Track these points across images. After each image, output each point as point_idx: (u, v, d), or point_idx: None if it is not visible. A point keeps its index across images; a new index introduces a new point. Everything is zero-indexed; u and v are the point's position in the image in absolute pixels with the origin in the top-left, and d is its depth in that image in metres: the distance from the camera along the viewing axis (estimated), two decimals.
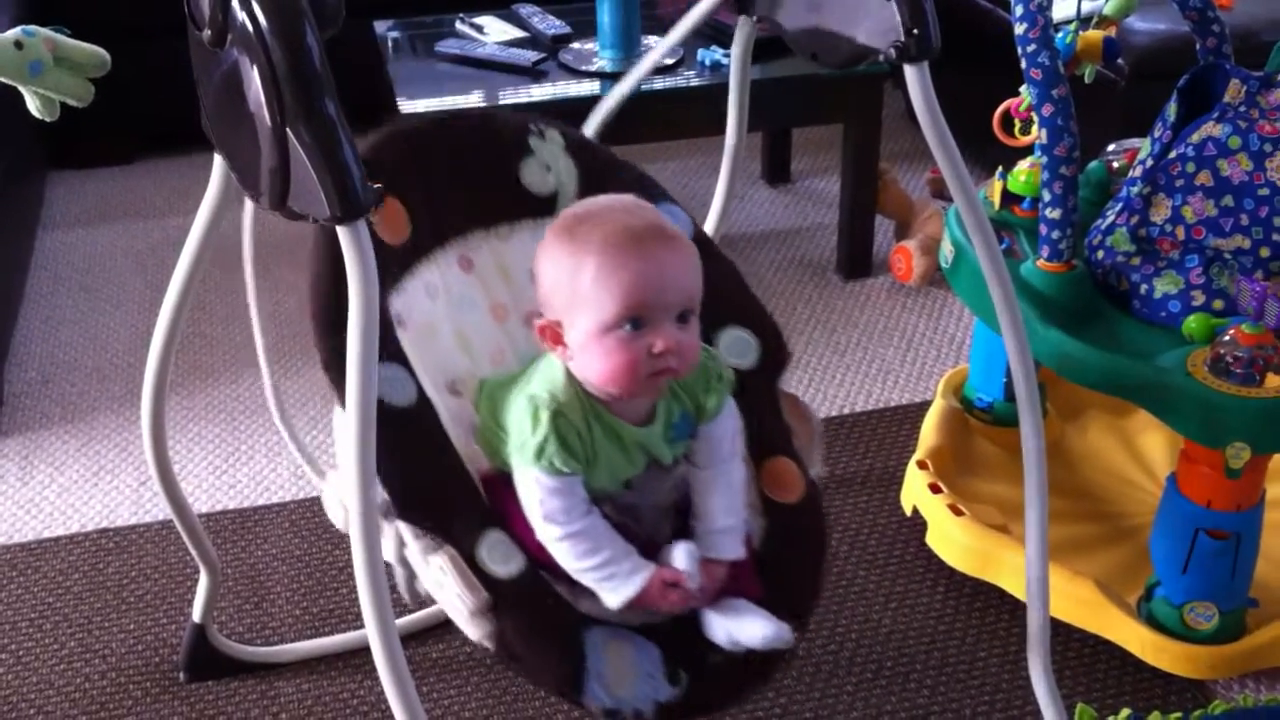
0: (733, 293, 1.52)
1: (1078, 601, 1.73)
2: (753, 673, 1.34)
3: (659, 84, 2.49)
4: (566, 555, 1.27)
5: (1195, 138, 1.67)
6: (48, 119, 1.45)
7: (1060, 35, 1.83)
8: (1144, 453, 2.09)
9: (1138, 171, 1.74)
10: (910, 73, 1.24)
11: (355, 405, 1.06)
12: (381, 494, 1.25)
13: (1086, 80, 1.91)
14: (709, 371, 1.35)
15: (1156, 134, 1.73)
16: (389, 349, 1.29)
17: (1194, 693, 1.72)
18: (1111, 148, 1.99)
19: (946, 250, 1.87)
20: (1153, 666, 1.71)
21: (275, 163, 1.03)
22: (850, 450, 2.21)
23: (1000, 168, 1.91)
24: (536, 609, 1.26)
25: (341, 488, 1.29)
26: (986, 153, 2.22)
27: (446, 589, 1.24)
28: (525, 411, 1.27)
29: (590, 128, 1.60)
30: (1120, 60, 1.90)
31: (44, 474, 2.20)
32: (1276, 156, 1.65)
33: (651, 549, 1.31)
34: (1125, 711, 1.63)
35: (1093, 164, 1.94)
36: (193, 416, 2.34)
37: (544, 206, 1.46)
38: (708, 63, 2.54)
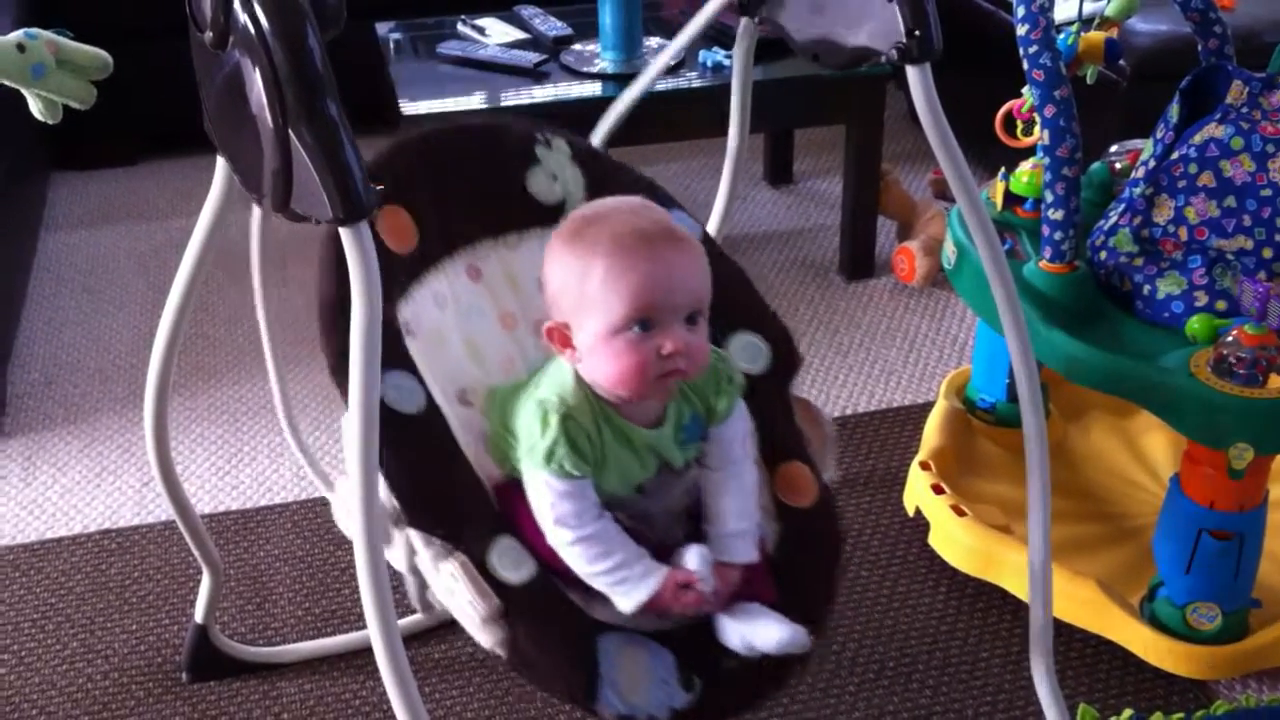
0: (742, 298, 1.52)
1: (1080, 602, 1.73)
2: (768, 678, 1.32)
3: (661, 85, 2.49)
4: (578, 559, 1.26)
5: (1198, 139, 1.67)
6: (50, 121, 1.45)
7: (1062, 36, 1.83)
8: (1147, 453, 2.09)
9: (1140, 172, 1.74)
10: (912, 74, 1.24)
11: (358, 404, 1.06)
12: (392, 501, 1.26)
13: (1088, 81, 1.91)
14: (719, 373, 1.34)
15: (1159, 135, 1.73)
16: (398, 357, 1.29)
17: (1196, 693, 1.72)
18: (1114, 149, 1.99)
19: (949, 251, 1.87)
20: (1155, 667, 1.71)
21: (277, 164, 1.03)
22: (853, 451, 2.21)
23: (1003, 169, 1.91)
24: (549, 615, 1.25)
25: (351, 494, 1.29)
26: (989, 154, 2.22)
27: (458, 596, 1.23)
28: (534, 415, 1.27)
29: (598, 136, 1.60)
30: (1122, 61, 1.90)
31: (47, 475, 2.21)
32: (1278, 157, 1.65)
33: (664, 554, 1.30)
34: (1128, 712, 1.63)
35: (1095, 165, 1.94)
36: (195, 417, 2.34)
37: (551, 215, 1.46)
38: (710, 64, 2.55)
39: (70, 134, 2.69)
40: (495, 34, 2.71)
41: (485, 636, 1.23)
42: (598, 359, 1.26)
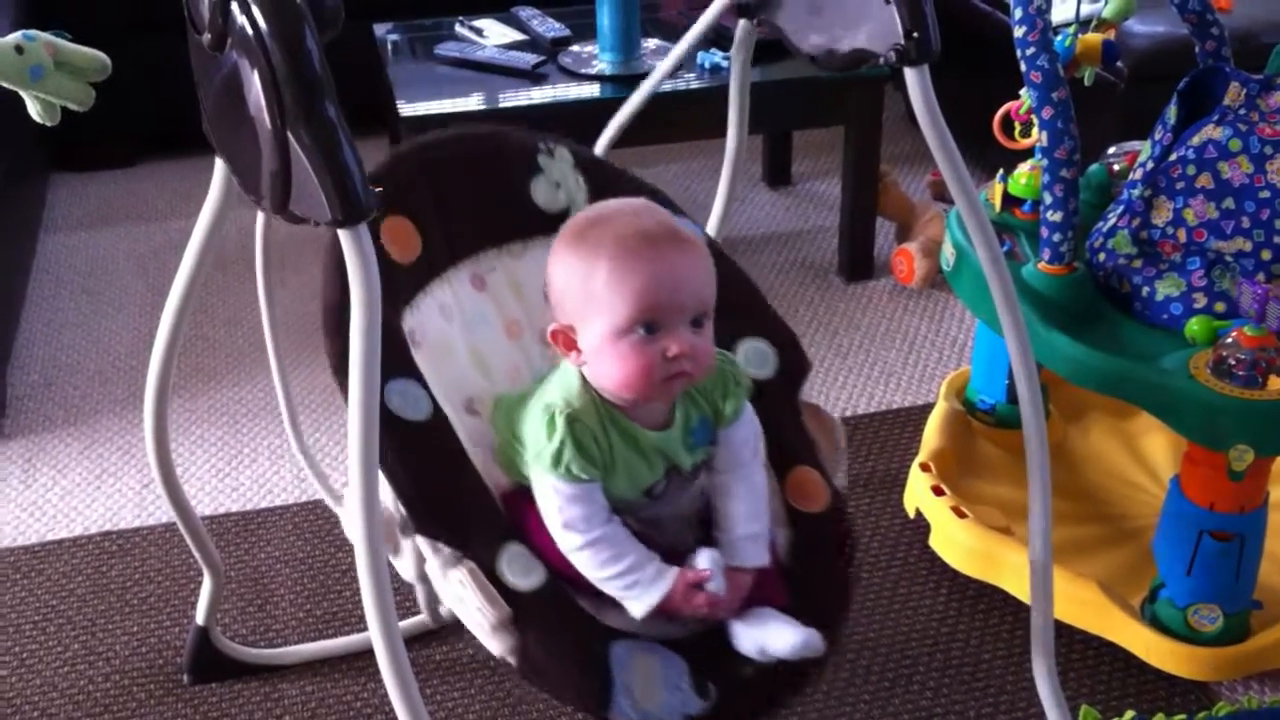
0: (749, 303, 1.52)
1: (1081, 603, 1.73)
2: (783, 683, 1.31)
3: (660, 87, 2.48)
4: (588, 564, 1.26)
5: (1195, 140, 1.67)
6: (49, 123, 1.45)
7: (1059, 38, 1.83)
8: (1147, 455, 2.09)
9: (1138, 174, 1.74)
10: (911, 75, 1.24)
11: (358, 404, 1.06)
12: (400, 510, 1.25)
13: (1086, 83, 1.91)
14: (726, 376, 1.34)
15: (1157, 136, 1.73)
16: (404, 365, 1.28)
17: (1198, 695, 1.72)
18: (1112, 150, 1.99)
19: (948, 253, 1.87)
20: (1156, 668, 1.71)
21: (276, 166, 1.03)
22: (853, 453, 2.20)
23: (1001, 170, 1.91)
24: (559, 622, 1.24)
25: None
26: (987, 155, 2.22)
27: (467, 603, 1.22)
28: (541, 419, 1.26)
29: (601, 145, 1.61)
30: (1119, 63, 1.90)
31: (47, 477, 2.21)
32: (1277, 159, 1.65)
33: (675, 560, 1.28)
34: (1129, 713, 1.63)
35: (1093, 167, 1.94)
36: (195, 419, 2.34)
37: (555, 223, 1.45)
38: (708, 65, 2.54)
39: (69, 135, 2.70)
40: (493, 35, 2.71)
41: (495, 644, 1.22)
42: (603, 362, 1.25)
